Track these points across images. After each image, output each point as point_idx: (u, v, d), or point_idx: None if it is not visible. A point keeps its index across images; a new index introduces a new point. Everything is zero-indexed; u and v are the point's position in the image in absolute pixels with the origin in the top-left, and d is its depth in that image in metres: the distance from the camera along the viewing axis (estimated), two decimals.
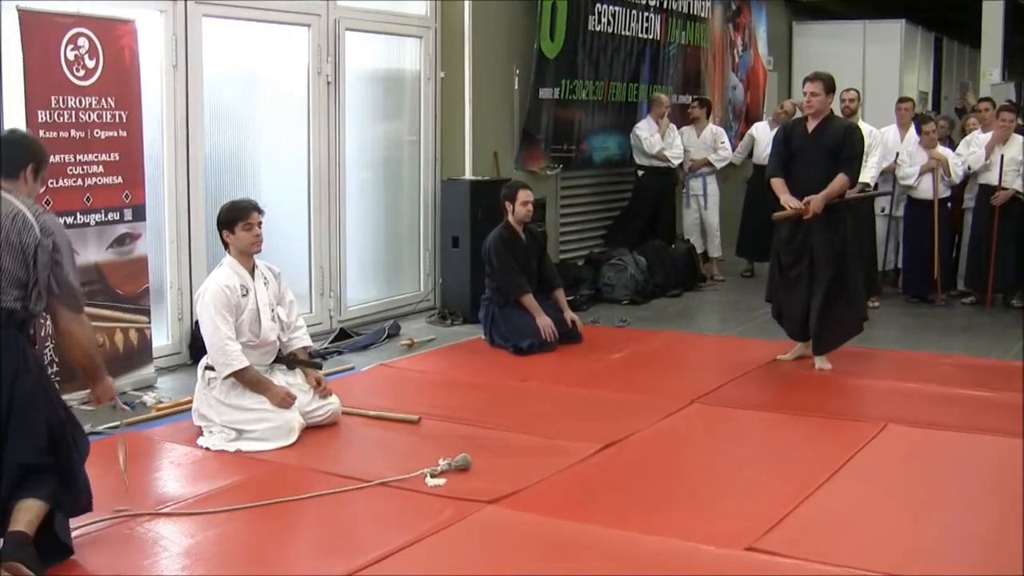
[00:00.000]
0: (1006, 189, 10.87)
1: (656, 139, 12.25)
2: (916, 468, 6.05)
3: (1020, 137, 11.11)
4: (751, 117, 15.45)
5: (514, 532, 4.98)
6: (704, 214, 12.81)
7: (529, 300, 8.90)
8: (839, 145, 8.16)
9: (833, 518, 5.24)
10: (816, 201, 7.99)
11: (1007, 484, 5.83)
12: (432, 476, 5.57)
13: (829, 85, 8.23)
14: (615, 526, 5.02)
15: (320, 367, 7.05)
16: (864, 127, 10.74)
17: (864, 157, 10.42)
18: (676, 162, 12.43)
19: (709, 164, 12.80)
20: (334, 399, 6.65)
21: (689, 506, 5.40)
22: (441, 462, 5.68)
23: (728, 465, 6.09)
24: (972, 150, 11.19)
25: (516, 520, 5.10)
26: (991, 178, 10.94)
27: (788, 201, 8.15)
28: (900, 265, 11.75)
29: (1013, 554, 4.79)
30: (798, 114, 11.11)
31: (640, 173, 12.56)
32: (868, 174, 10.73)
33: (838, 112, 10.53)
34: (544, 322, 8.82)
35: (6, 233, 4.32)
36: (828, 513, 5.30)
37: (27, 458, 4.36)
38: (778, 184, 8.29)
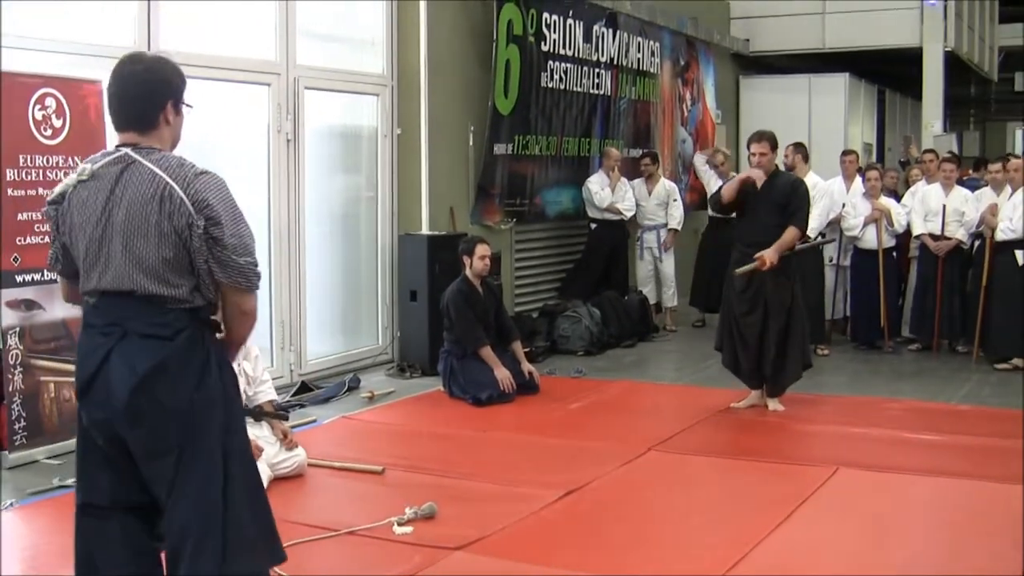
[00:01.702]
0: (949, 239, 11.16)
1: (606, 193, 12.49)
2: (867, 510, 6.21)
3: (962, 188, 11.45)
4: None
5: None
6: (660, 265, 13.00)
7: (487, 352, 9.05)
8: (787, 199, 8.43)
9: (788, 559, 5.41)
10: (771, 254, 8.24)
11: (957, 523, 6.05)
12: (399, 524, 5.70)
13: (774, 143, 8.56)
14: (579, 569, 5.18)
15: (287, 419, 7.16)
16: (810, 178, 11.08)
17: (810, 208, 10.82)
18: (628, 214, 12.66)
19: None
20: (300, 451, 6.76)
21: (649, 549, 5.55)
22: (408, 510, 5.80)
23: (686, 509, 6.26)
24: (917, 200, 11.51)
25: (484, 565, 5.23)
26: (934, 228, 11.23)
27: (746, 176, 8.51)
28: (848, 313, 12.00)
29: None
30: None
31: (593, 226, 12.79)
32: (812, 223, 11.03)
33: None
34: (502, 374, 8.97)
35: (158, 217, 3.60)
36: (784, 554, 5.47)
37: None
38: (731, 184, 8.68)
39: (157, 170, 3.62)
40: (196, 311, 3.70)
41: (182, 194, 3.59)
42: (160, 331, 3.61)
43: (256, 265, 3.74)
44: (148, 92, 3.76)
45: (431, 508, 5.85)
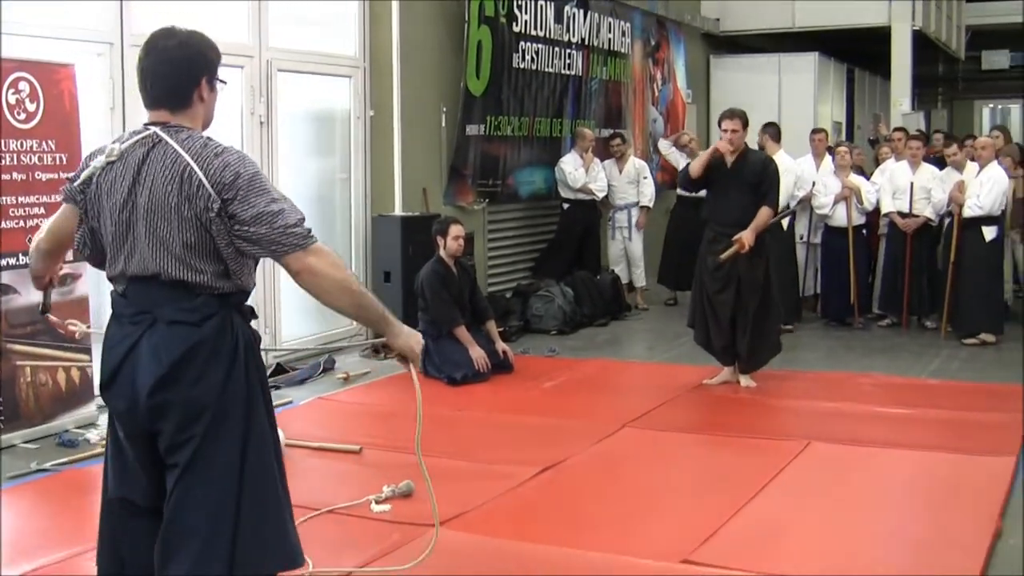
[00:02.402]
0: (917, 216, 11.28)
1: (580, 173, 12.54)
2: (838, 482, 6.34)
3: (929, 165, 11.57)
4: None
5: (461, 552, 5.17)
6: (628, 245, 13.08)
7: (462, 332, 9.12)
8: (758, 178, 8.51)
9: (762, 530, 5.51)
10: (748, 235, 8.32)
11: (927, 495, 6.18)
12: (377, 502, 5.77)
13: (745, 121, 8.62)
14: (557, 544, 5.26)
15: None
16: (780, 158, 11.17)
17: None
18: (600, 195, 12.72)
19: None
20: (278, 432, 6.79)
21: (626, 523, 5.63)
22: (385, 488, 5.87)
23: (661, 484, 6.36)
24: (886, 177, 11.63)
25: (463, 541, 5.29)
26: (902, 205, 11.34)
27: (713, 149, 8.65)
28: (819, 290, 12.12)
29: (935, 557, 5.10)
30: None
31: (565, 206, 12.85)
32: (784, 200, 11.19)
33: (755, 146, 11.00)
34: (477, 353, 9.04)
35: (178, 201, 3.46)
36: (757, 526, 5.57)
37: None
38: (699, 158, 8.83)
39: (181, 151, 3.47)
40: (226, 297, 3.55)
41: (202, 176, 3.44)
42: (188, 317, 3.49)
43: (292, 226, 3.45)
44: (182, 68, 3.60)
45: (408, 486, 5.91)
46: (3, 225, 7.02)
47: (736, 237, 8.34)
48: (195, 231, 3.48)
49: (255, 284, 3.71)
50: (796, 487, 6.25)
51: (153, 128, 3.58)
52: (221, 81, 3.73)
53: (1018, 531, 5.48)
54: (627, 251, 13.10)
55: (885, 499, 6.08)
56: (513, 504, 5.92)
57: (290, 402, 8.42)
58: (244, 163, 3.52)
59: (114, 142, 3.65)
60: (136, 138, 3.59)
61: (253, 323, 3.75)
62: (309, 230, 3.53)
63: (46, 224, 3.93)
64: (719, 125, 8.74)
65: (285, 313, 9.83)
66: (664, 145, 14.41)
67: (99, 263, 3.76)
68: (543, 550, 5.19)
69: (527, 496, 6.06)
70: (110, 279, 3.68)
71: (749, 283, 8.47)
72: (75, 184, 3.68)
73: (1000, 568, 5.05)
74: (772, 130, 11.45)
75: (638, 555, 5.10)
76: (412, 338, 3.92)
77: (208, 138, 3.58)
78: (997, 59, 26.21)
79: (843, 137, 18.94)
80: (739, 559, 5.06)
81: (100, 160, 3.61)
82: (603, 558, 5.08)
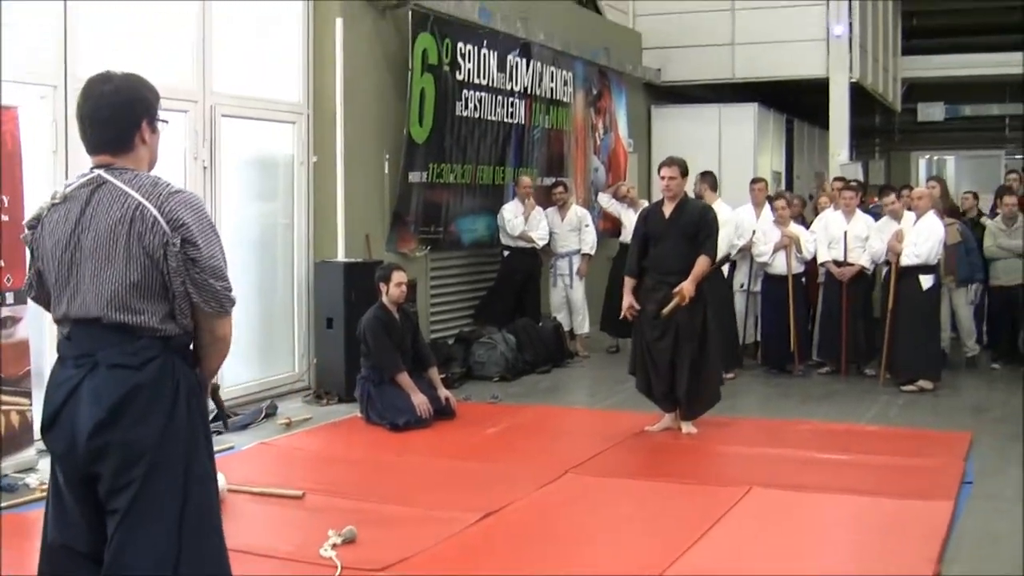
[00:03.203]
0: (852, 264, 11.43)
1: (519, 221, 12.59)
2: (779, 527, 6.40)
3: (864, 215, 11.75)
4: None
5: None
6: (570, 292, 13.14)
7: (404, 379, 9.11)
8: (696, 227, 8.61)
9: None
10: (688, 286, 8.41)
11: (865, 538, 6.24)
12: (326, 549, 5.69)
13: (684, 169, 8.72)
14: None
15: None
16: (718, 207, 11.33)
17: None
18: (541, 243, 12.75)
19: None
20: (219, 476, 6.75)
21: (567, 568, 5.66)
22: (330, 533, 5.84)
23: (602, 530, 6.38)
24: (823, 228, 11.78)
25: None
26: (837, 254, 11.50)
27: (629, 302, 8.70)
28: (759, 337, 12.22)
29: None
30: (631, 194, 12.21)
31: (506, 253, 12.89)
32: (722, 249, 11.30)
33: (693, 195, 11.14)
34: (419, 399, 9.03)
35: (127, 239, 3.47)
36: (698, 572, 5.60)
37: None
38: (628, 284, 8.83)
39: (129, 190, 3.49)
40: (168, 340, 3.55)
41: (156, 213, 3.45)
42: (129, 360, 3.49)
43: (230, 290, 3.60)
44: (121, 113, 3.60)
45: (351, 532, 5.89)
46: None
47: (676, 289, 8.41)
48: (142, 270, 3.49)
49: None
50: (737, 532, 6.29)
51: (97, 171, 3.59)
52: (162, 121, 3.75)
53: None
54: (568, 298, 13.15)
55: (825, 544, 6.15)
56: (455, 549, 5.91)
57: (232, 447, 8.37)
58: (199, 207, 3.57)
59: (63, 184, 3.67)
60: (81, 179, 3.61)
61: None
62: (234, 300, 3.66)
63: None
64: (658, 173, 8.84)
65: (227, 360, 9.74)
66: (604, 199, 14.45)
67: (47, 304, 3.75)
68: None
69: (469, 541, 6.05)
70: (56, 321, 3.68)
71: (687, 330, 8.53)
72: (27, 227, 3.70)
73: None
74: (710, 179, 11.59)
75: None
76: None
77: (157, 177, 3.61)
78: (932, 111, 26.66)
79: (783, 187, 19.19)
80: None
81: (46, 202, 3.63)
82: None
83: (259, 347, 10.49)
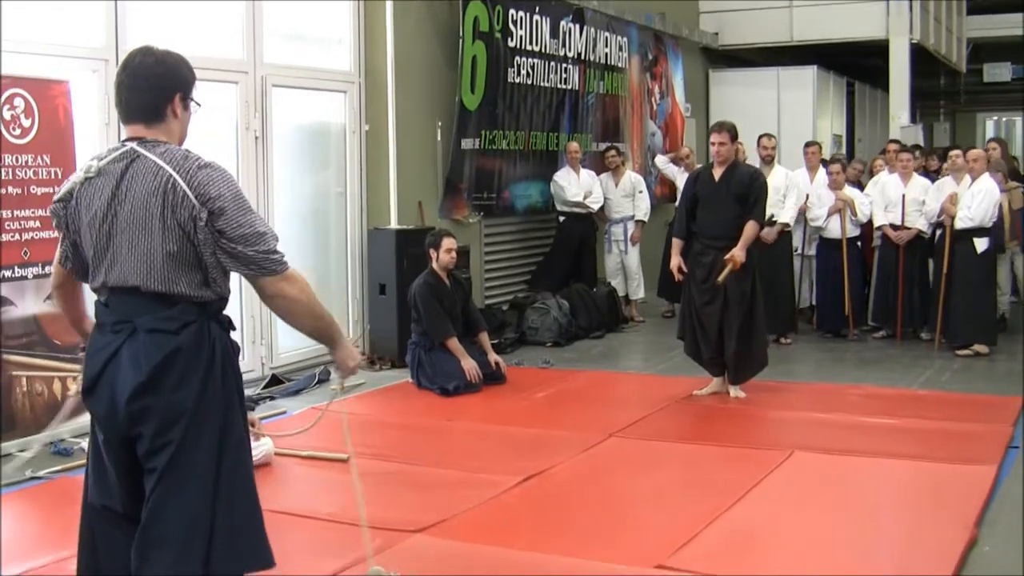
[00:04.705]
0: (909, 228, 11.36)
1: (576, 188, 12.64)
2: (817, 490, 6.42)
3: (921, 178, 11.65)
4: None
5: (439, 558, 5.28)
6: (624, 258, 13.18)
7: (454, 344, 9.21)
8: (746, 191, 8.59)
9: (738, 537, 5.61)
10: (739, 253, 8.42)
11: (905, 502, 6.27)
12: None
13: (734, 134, 8.71)
14: (534, 549, 5.35)
15: (253, 410, 7.29)
16: (779, 171, 11.35)
17: (782, 199, 11.07)
18: (594, 207, 12.81)
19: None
20: (267, 440, 6.90)
21: (605, 530, 5.72)
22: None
23: (642, 492, 6.44)
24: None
25: (441, 547, 5.40)
26: (894, 218, 11.43)
27: (677, 263, 8.76)
28: (814, 302, 12.19)
29: (906, 564, 5.18)
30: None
31: (561, 219, 12.96)
32: (787, 215, 11.37)
33: (757, 158, 11.13)
34: (469, 365, 9.13)
35: (161, 211, 3.56)
36: (733, 533, 5.66)
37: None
38: (676, 245, 8.86)
39: (161, 163, 3.58)
40: (204, 305, 3.65)
41: (185, 187, 3.55)
42: (167, 325, 3.59)
43: (271, 252, 3.64)
44: (156, 84, 3.71)
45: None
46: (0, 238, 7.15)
47: (728, 256, 8.43)
48: (177, 241, 3.58)
49: (230, 292, 3.78)
50: (776, 495, 6.32)
51: (130, 144, 3.69)
52: (196, 103, 3.85)
53: (993, 538, 5.56)
54: (623, 264, 13.19)
55: (862, 507, 6.14)
56: (494, 511, 6.01)
57: (284, 412, 8.52)
58: (227, 180, 3.64)
59: (92, 159, 3.76)
60: (114, 154, 3.71)
61: (234, 334, 3.85)
62: (283, 255, 3.68)
63: (54, 263, 4.01)
64: (708, 138, 8.84)
65: (280, 326, 9.91)
66: (661, 161, 14.51)
67: (82, 275, 3.86)
68: (518, 555, 5.28)
69: (509, 503, 6.14)
70: (93, 290, 3.79)
71: (735, 295, 8.55)
72: (57, 202, 3.80)
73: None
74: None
75: (613, 560, 5.18)
76: (349, 355, 4.04)
77: (188, 150, 3.70)
78: (999, 72, 26.29)
79: (843, 151, 19.03)
80: (713, 565, 5.14)
81: (79, 176, 3.73)
82: (577, 563, 5.16)
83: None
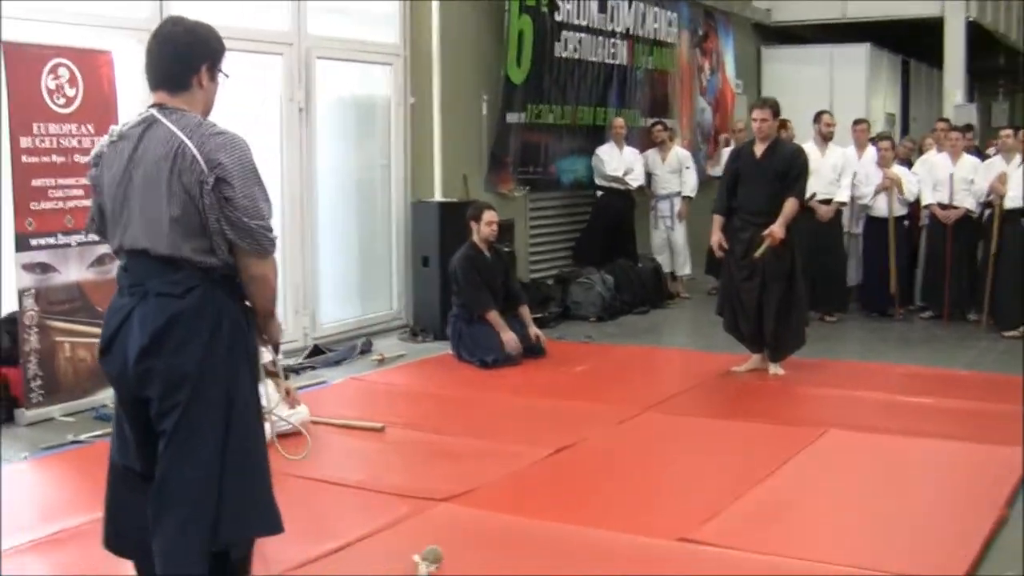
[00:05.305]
0: (957, 208, 11.25)
1: (617, 163, 12.62)
2: (849, 468, 6.40)
3: (970, 157, 11.53)
4: (720, 139, 15.82)
5: (464, 526, 5.32)
6: (671, 234, 13.14)
7: (494, 316, 9.24)
8: (787, 168, 8.56)
9: (764, 512, 5.60)
10: (778, 229, 8.40)
11: (935, 481, 6.23)
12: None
13: (776, 110, 8.67)
14: (559, 521, 5.37)
15: (287, 378, 7.37)
16: (835, 149, 11.29)
17: (837, 178, 11.01)
18: (634, 184, 12.76)
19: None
20: (302, 408, 6.97)
21: (630, 502, 5.74)
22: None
23: (671, 467, 6.46)
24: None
25: (467, 516, 5.45)
26: (942, 197, 11.32)
27: (718, 239, 8.79)
28: (860, 280, 12.12)
29: (932, 542, 5.17)
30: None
31: (599, 194, 12.94)
32: (844, 194, 11.34)
33: (806, 136, 11.09)
34: (508, 337, 9.16)
35: (168, 176, 3.63)
36: (760, 508, 5.65)
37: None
38: (717, 221, 8.86)
39: (175, 129, 3.64)
40: (209, 271, 3.69)
41: (195, 151, 3.59)
42: (172, 289, 3.65)
43: (268, 230, 3.71)
44: (184, 53, 3.77)
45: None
46: (43, 206, 7.25)
47: (767, 231, 8.40)
48: (182, 206, 3.63)
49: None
50: (806, 472, 6.32)
51: (151, 110, 3.77)
52: (223, 73, 3.90)
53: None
54: (670, 240, 13.15)
55: (892, 485, 6.11)
56: (521, 482, 6.05)
57: (324, 381, 8.61)
58: (240, 148, 3.69)
59: (120, 124, 3.85)
60: (136, 119, 3.80)
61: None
62: (275, 235, 3.77)
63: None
64: (750, 114, 8.80)
65: (323, 297, 10.00)
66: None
67: (106, 237, 3.94)
68: (544, 526, 5.30)
69: (537, 475, 6.18)
70: (113, 252, 3.89)
71: (774, 272, 8.52)
72: (92, 166, 3.90)
73: (999, 556, 5.07)
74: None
75: (637, 533, 5.20)
76: (279, 329, 4.10)
77: (203, 119, 3.77)
78: None
79: (897, 129, 18.84)
80: (737, 539, 5.15)
81: (105, 139, 3.84)
82: (602, 535, 5.18)
83: (358, 285, 10.71)
